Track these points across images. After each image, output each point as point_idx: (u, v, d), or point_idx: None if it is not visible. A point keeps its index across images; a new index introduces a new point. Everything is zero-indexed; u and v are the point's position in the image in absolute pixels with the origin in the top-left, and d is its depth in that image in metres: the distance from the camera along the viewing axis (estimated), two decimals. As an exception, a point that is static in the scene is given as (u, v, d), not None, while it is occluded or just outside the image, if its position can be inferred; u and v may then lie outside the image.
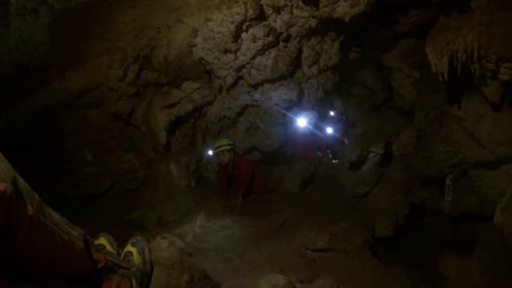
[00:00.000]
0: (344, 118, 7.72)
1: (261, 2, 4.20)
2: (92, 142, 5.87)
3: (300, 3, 4.16)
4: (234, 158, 6.14)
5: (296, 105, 5.63)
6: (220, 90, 5.31)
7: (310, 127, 6.94)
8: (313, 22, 4.42)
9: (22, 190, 1.04)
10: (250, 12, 4.14)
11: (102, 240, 2.13)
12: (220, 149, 6.01)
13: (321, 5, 4.12)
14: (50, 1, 4.03)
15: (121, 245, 2.41)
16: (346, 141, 6.68)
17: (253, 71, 4.87)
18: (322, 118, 7.81)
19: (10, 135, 5.23)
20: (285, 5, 4.22)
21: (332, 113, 7.95)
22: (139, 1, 4.48)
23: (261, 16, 4.32)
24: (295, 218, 5.17)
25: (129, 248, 2.09)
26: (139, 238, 2.14)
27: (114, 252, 2.09)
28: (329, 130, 7.71)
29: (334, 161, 7.25)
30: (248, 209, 5.72)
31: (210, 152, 6.59)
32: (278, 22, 4.44)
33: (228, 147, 6.04)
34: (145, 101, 5.46)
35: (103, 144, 5.96)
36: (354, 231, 4.64)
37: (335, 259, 3.99)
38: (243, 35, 4.44)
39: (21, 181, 1.07)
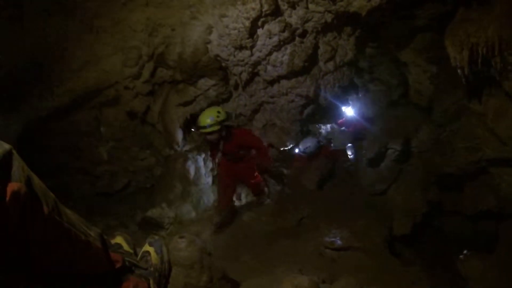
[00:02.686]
0: (359, 115, 7.61)
1: (276, -3, 4.15)
2: (108, 140, 5.89)
3: (316, -3, 4.09)
4: (233, 131, 5.13)
5: (313, 102, 5.54)
6: (236, 87, 5.26)
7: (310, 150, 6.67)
8: (328, 17, 4.34)
9: (37, 189, 1.01)
10: (266, 7, 4.08)
11: (119, 240, 2.11)
12: (207, 130, 4.83)
13: (337, -1, 4.05)
14: (63, 1, 4.02)
15: (138, 242, 2.38)
16: (363, 138, 6.59)
17: (269, 67, 4.81)
18: (338, 115, 7.73)
19: (25, 135, 5.27)
20: (300, -1, 4.16)
21: (347, 110, 7.85)
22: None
23: (276, 12, 4.25)
24: (312, 216, 5.12)
25: (146, 247, 2.06)
26: (156, 237, 2.12)
27: (131, 251, 2.07)
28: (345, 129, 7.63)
29: (350, 156, 7.15)
30: (265, 206, 5.68)
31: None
32: (293, 17, 4.37)
33: (217, 128, 4.82)
34: (160, 99, 5.44)
35: (119, 143, 5.97)
36: (372, 229, 4.58)
37: (354, 258, 3.92)
38: (259, 31, 4.39)
39: (36, 180, 1.03)
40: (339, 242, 4.00)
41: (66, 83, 4.80)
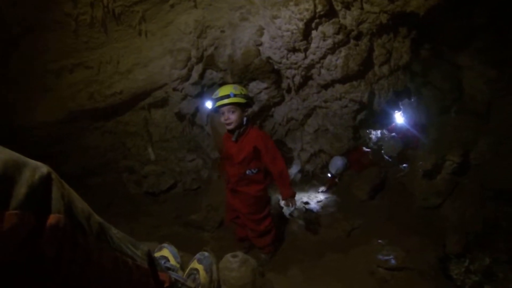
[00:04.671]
0: (411, 121, 7.26)
1: (329, -3, 3.97)
2: (156, 141, 5.90)
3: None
4: (250, 129, 3.88)
5: (366, 107, 5.30)
6: (288, 90, 5.10)
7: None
8: (384, 18, 4.12)
9: (79, 216, 0.88)
10: (319, 8, 3.90)
11: (166, 252, 2.02)
12: (231, 99, 3.62)
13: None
14: (111, 6, 4.00)
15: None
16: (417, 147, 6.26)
17: (323, 71, 4.61)
18: (390, 121, 7.42)
19: (77, 134, 5.36)
20: (355, -1, 3.96)
21: (398, 115, 7.51)
22: (200, 1, 4.37)
23: (330, 12, 4.07)
24: (363, 228, 4.87)
25: (195, 264, 1.94)
26: (206, 254, 1.99)
27: (178, 266, 1.96)
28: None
29: (403, 166, 6.80)
30: (312, 215, 5.48)
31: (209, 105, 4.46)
32: (347, 18, 4.18)
33: (243, 100, 3.70)
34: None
35: (167, 143, 5.97)
36: (427, 247, 4.27)
37: (408, 280, 3.63)
38: (313, 33, 4.21)
39: (78, 205, 0.91)
40: (393, 261, 3.73)
41: (116, 85, 4.81)
